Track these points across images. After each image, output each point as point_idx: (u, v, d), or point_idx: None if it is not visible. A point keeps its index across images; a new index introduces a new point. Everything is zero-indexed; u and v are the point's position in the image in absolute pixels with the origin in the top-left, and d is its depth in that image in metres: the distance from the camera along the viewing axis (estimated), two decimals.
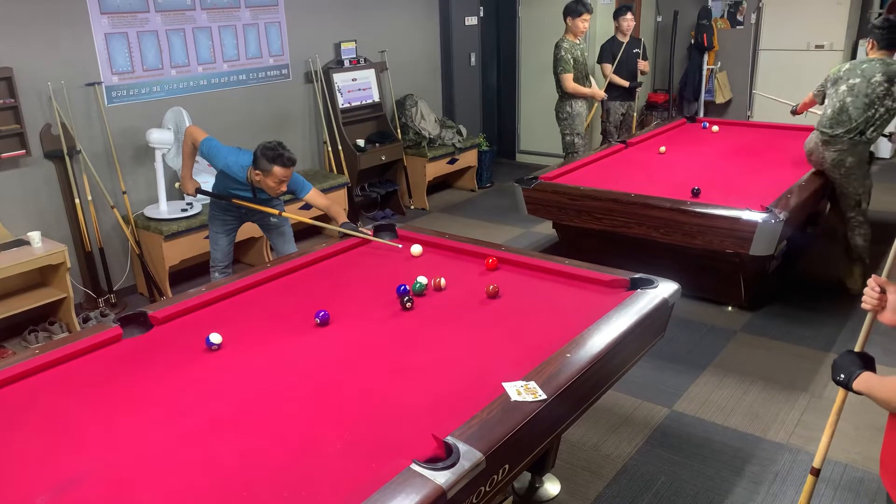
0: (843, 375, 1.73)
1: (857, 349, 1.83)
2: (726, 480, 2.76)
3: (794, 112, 4.80)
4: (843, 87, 4.00)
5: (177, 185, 4.18)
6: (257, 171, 3.41)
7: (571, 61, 5.56)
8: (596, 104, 6.13)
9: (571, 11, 5.53)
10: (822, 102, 4.28)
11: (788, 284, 4.48)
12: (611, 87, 6.03)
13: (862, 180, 4.13)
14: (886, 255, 1.85)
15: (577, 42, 5.65)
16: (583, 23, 5.52)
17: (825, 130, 4.06)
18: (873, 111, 3.92)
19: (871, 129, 3.97)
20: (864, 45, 4.16)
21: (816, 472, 1.99)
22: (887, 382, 1.60)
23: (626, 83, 6.01)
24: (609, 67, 6.00)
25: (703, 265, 4.02)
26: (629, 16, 5.96)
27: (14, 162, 4.08)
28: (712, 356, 3.67)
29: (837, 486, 2.72)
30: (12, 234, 4.09)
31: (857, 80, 3.96)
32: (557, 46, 5.60)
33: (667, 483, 2.76)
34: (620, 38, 6.01)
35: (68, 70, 4.23)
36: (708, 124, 5.80)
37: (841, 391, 1.85)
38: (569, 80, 5.60)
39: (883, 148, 7.06)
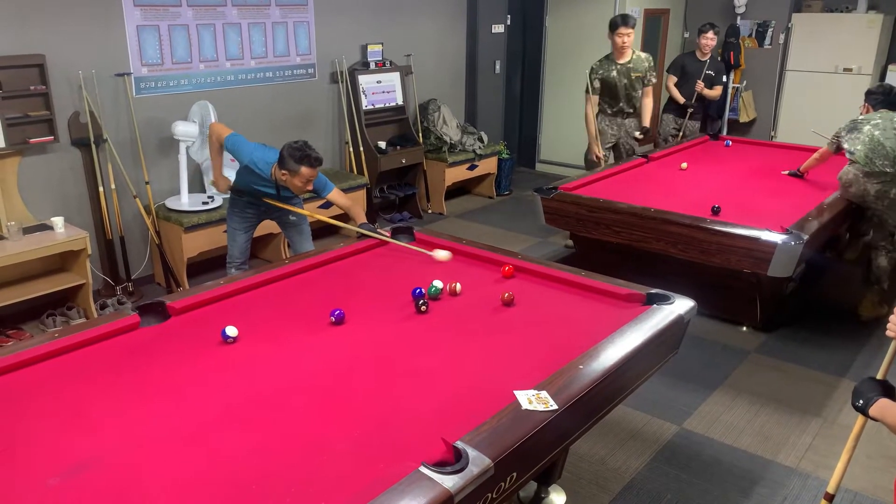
0: (861, 401, 1.72)
1: (879, 377, 1.81)
2: (733, 501, 2.74)
3: (800, 174, 4.64)
4: (867, 128, 4.02)
5: (210, 181, 4.21)
6: (284, 171, 3.42)
7: (594, 84, 5.27)
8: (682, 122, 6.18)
9: (610, 26, 5.22)
10: (836, 152, 4.28)
11: (805, 307, 4.44)
12: (669, 100, 6.26)
13: None
14: None
15: (619, 62, 5.23)
16: (618, 38, 5.14)
17: (863, 167, 3.99)
18: None
19: None
20: (860, 109, 4.24)
21: (830, 498, 1.97)
22: None
23: (682, 99, 6.12)
24: (673, 79, 6.19)
25: (719, 284, 4.00)
26: (710, 34, 6.00)
27: (42, 148, 4.14)
28: (724, 376, 3.65)
29: None
30: (36, 218, 4.15)
31: (879, 121, 4.00)
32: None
33: (673, 500, 2.75)
34: (699, 55, 6.10)
35: (99, 60, 4.29)
36: (731, 142, 5.77)
37: (860, 417, 1.84)
38: (587, 101, 5.34)
39: None
